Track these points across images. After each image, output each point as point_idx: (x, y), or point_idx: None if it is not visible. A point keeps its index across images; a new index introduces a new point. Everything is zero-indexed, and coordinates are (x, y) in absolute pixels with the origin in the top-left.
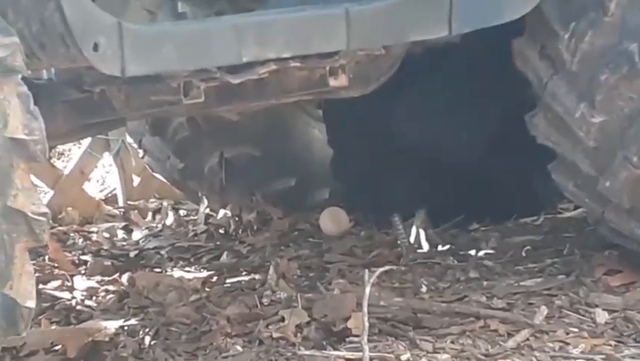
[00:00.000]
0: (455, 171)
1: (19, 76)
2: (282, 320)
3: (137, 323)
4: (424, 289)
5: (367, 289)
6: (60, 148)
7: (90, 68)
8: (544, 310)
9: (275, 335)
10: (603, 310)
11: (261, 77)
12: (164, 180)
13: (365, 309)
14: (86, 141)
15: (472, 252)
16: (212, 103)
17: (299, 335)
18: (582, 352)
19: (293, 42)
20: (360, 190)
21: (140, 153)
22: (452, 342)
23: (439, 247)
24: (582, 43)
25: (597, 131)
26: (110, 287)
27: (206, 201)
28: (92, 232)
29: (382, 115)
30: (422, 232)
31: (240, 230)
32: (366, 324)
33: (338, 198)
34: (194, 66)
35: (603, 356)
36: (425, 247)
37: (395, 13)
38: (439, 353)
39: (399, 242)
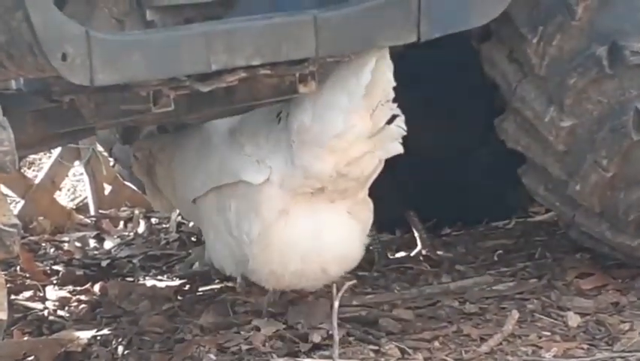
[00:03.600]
0: (426, 175)
1: None
2: (256, 328)
3: (109, 332)
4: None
5: (336, 303)
6: (30, 157)
7: (59, 77)
8: (516, 315)
9: (248, 343)
10: (575, 313)
11: (231, 84)
12: (136, 189)
13: (335, 323)
14: (57, 150)
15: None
16: (182, 111)
17: (272, 342)
18: (555, 356)
19: (262, 49)
20: None
21: (111, 161)
22: (425, 348)
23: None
24: (550, 47)
25: (567, 135)
26: (83, 297)
27: (177, 210)
28: (64, 242)
29: None
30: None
31: None
32: (337, 338)
33: None
34: (164, 75)
35: (576, 360)
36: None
37: (363, 19)
38: (411, 358)
39: (371, 248)
